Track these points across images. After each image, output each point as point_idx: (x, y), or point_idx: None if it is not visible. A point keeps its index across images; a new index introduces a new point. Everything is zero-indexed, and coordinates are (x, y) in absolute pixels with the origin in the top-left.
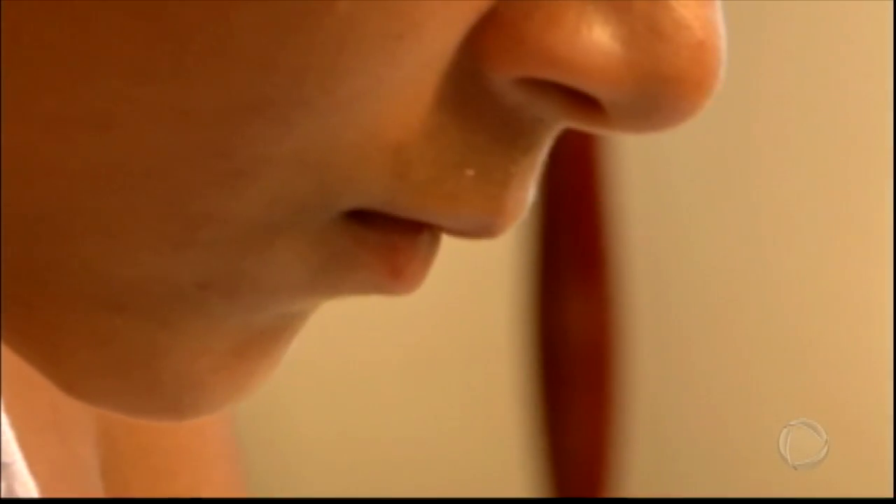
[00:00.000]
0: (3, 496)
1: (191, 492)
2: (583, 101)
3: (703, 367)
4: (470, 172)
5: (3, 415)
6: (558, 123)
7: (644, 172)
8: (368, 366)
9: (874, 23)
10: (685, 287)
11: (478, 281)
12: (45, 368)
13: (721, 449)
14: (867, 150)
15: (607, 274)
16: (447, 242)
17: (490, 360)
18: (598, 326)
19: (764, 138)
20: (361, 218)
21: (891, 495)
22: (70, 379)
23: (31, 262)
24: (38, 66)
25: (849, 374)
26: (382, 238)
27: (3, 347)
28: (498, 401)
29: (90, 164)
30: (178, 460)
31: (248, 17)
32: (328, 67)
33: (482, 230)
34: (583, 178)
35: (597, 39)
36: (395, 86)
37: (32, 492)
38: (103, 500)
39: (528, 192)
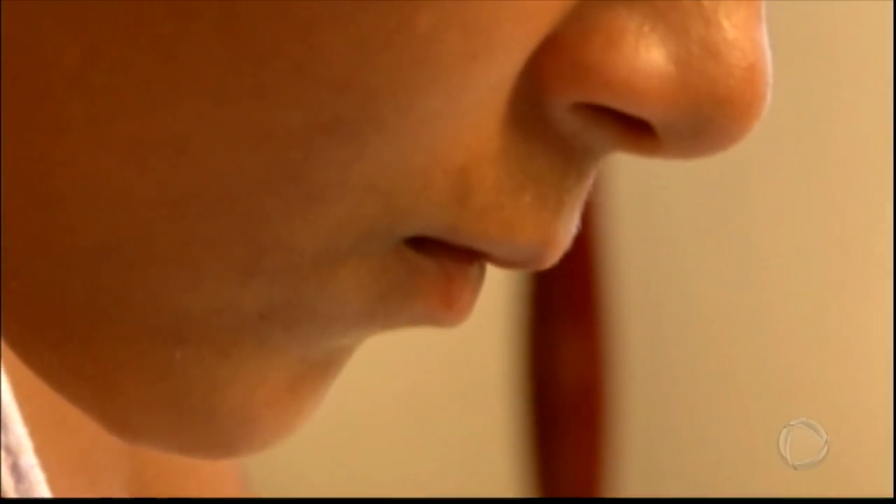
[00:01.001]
0: None
1: None
2: (635, 127)
3: (696, 410)
4: (527, 199)
5: (34, 455)
6: (607, 153)
7: (636, 215)
8: (362, 408)
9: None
10: (678, 331)
11: (471, 323)
12: (97, 407)
13: (714, 491)
14: (867, 152)
15: (600, 317)
16: None
17: (483, 403)
18: (590, 369)
19: (759, 180)
20: (419, 246)
21: (891, 495)
22: (123, 417)
23: (94, 297)
24: (116, 90)
25: (848, 380)
26: (438, 267)
27: (39, 389)
28: (491, 444)
29: (164, 190)
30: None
31: (329, 36)
32: (404, 87)
33: (533, 260)
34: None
35: (654, 62)
36: (464, 108)
37: None
38: (105, 500)
39: (574, 223)
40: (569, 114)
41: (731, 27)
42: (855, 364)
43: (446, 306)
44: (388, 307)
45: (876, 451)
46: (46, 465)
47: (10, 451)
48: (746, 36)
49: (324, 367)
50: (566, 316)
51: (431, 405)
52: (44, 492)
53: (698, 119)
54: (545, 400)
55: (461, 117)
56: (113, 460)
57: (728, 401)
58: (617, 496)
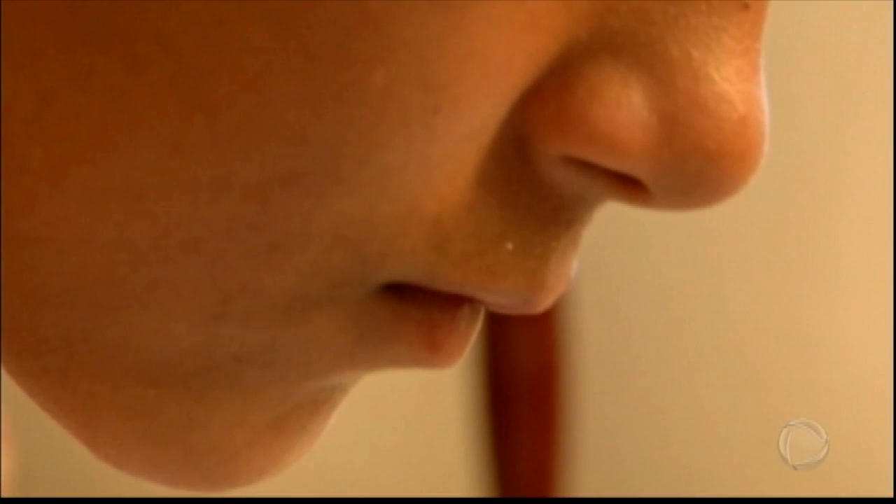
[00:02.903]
0: None
1: None
2: (625, 181)
3: (653, 395)
4: (509, 246)
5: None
6: (600, 201)
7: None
8: None
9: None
10: (634, 314)
11: None
12: (81, 436)
13: (671, 478)
14: (867, 145)
15: (555, 303)
16: None
17: (437, 387)
18: (545, 354)
19: None
20: (400, 292)
21: (891, 495)
22: (103, 449)
23: (66, 334)
24: (70, 137)
25: (847, 376)
26: (422, 312)
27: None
28: (445, 429)
29: (124, 236)
30: None
31: (282, 90)
32: (363, 141)
33: (522, 305)
34: None
35: (638, 115)
36: (433, 159)
37: None
38: (105, 499)
39: (568, 267)
40: (556, 164)
41: (722, 80)
42: (854, 366)
43: (432, 350)
44: (369, 351)
45: (875, 451)
46: None
47: None
48: (737, 88)
49: (312, 407)
50: None
51: (385, 390)
52: None
53: (687, 174)
54: (500, 384)
55: (431, 168)
56: None
57: (684, 385)
58: (573, 481)
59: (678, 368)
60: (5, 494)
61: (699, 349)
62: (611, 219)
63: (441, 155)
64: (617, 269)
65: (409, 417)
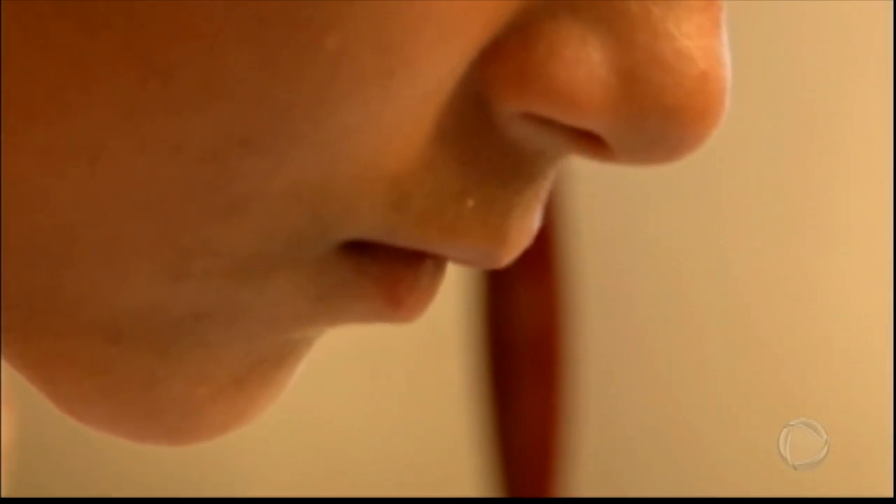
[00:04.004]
0: None
1: None
2: (586, 136)
3: (654, 358)
4: (470, 203)
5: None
6: (562, 157)
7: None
8: (318, 357)
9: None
10: (635, 278)
11: None
12: (45, 391)
13: (671, 440)
14: (867, 146)
15: (557, 265)
16: None
17: (439, 351)
18: (547, 317)
19: (725, 128)
20: (361, 249)
21: (891, 495)
22: (66, 404)
23: (28, 291)
24: (28, 97)
25: (845, 374)
26: (383, 268)
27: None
28: (446, 391)
29: (81, 195)
30: None
31: (235, 53)
32: (318, 103)
33: (484, 260)
34: None
35: (596, 72)
36: (390, 119)
37: None
38: (107, 499)
39: (531, 221)
40: (516, 121)
41: (682, 35)
42: (853, 364)
43: (393, 305)
44: (330, 307)
45: (874, 451)
46: None
47: None
48: (698, 44)
49: (276, 360)
50: (523, 264)
51: (388, 355)
52: None
53: (647, 131)
54: (502, 348)
55: (389, 128)
56: None
57: (687, 347)
58: (575, 444)
59: (681, 330)
60: (5, 459)
61: (702, 311)
62: (612, 179)
63: (398, 115)
64: (618, 230)
65: (411, 383)
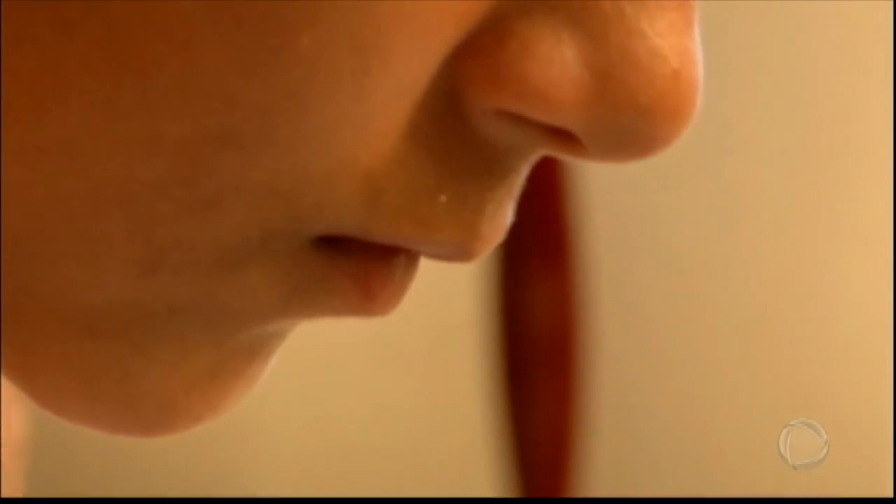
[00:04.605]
0: None
1: None
2: (559, 133)
3: (668, 354)
4: (443, 199)
5: None
6: (535, 153)
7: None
8: (331, 353)
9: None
10: (650, 273)
11: (442, 268)
12: (22, 386)
13: (687, 438)
14: (865, 145)
15: (571, 260)
16: None
17: (454, 348)
18: (561, 313)
19: (737, 125)
20: (335, 243)
21: (891, 495)
22: (42, 397)
23: (3, 286)
24: (3, 95)
25: (841, 373)
26: (357, 262)
27: None
28: (461, 387)
29: (56, 192)
30: None
31: (210, 52)
32: (293, 102)
33: (457, 254)
34: (546, 164)
35: (570, 70)
36: (364, 116)
37: None
38: (102, 499)
39: (504, 217)
40: (490, 117)
41: (654, 34)
42: (852, 362)
43: (366, 299)
44: (304, 301)
45: (873, 451)
46: None
47: None
48: (670, 43)
49: (249, 353)
50: (537, 260)
51: (403, 351)
52: None
53: (620, 129)
54: (517, 344)
55: (363, 124)
56: None
57: (700, 343)
58: (588, 439)
59: (695, 327)
60: (18, 455)
61: (716, 306)
62: (626, 175)
63: (372, 111)
64: (632, 226)
65: (424, 380)
